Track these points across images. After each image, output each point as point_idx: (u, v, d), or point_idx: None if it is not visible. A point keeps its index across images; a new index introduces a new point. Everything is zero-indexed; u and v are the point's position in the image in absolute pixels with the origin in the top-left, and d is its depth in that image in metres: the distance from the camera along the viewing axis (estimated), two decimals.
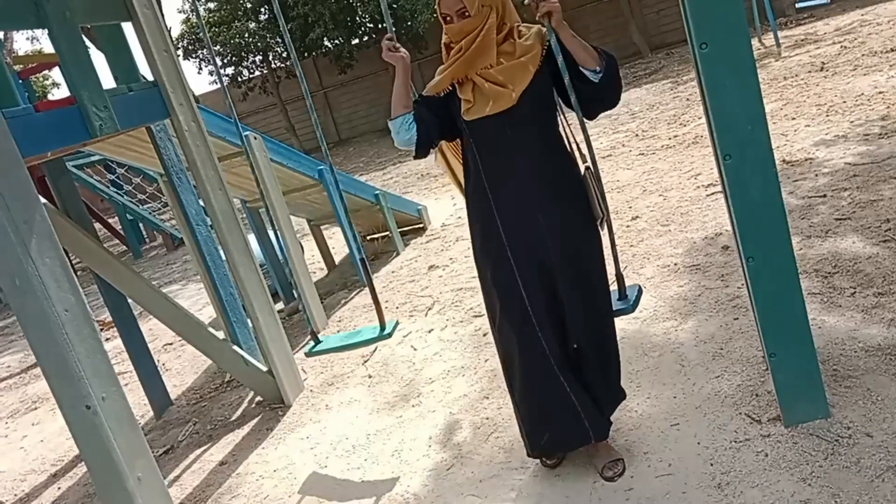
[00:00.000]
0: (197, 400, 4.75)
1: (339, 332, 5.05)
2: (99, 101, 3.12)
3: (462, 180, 2.65)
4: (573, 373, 2.51)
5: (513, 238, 2.44)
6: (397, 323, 3.38)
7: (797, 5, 14.29)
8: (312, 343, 3.41)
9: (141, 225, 13.16)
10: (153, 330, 6.53)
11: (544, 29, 2.37)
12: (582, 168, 2.49)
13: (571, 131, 2.52)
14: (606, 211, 2.48)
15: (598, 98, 2.39)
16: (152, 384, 4.65)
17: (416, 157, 2.60)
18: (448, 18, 2.38)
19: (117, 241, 13.27)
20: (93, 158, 10.08)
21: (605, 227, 2.50)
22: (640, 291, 2.74)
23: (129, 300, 4.45)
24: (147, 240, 13.53)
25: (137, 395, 4.75)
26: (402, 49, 2.49)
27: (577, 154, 2.52)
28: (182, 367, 5.55)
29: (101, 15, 3.46)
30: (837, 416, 2.48)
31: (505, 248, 2.45)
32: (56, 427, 5.03)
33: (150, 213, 12.37)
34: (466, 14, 2.33)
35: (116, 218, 12.93)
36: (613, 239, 2.55)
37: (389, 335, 3.28)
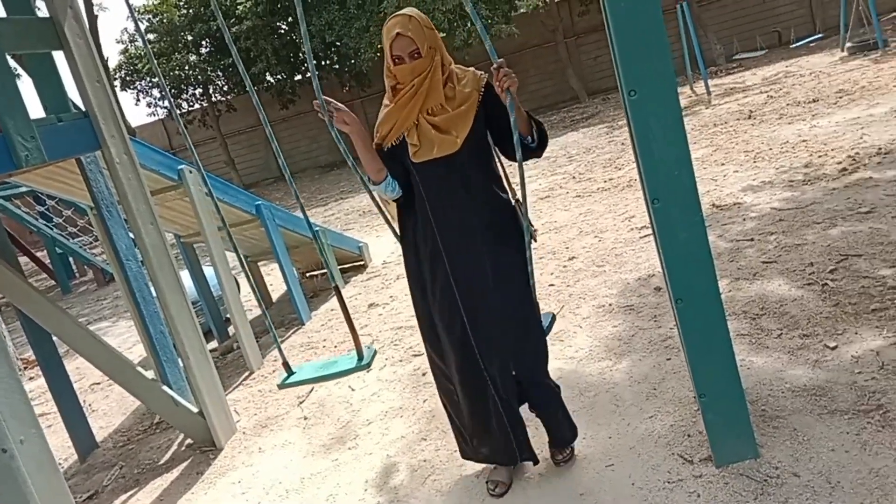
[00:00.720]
0: (124, 442, 4.56)
1: (308, 360, 4.94)
2: (25, 131, 3.02)
3: (394, 217, 2.77)
4: (509, 397, 2.68)
5: (457, 268, 2.57)
6: (376, 352, 3.27)
7: (736, 56, 14.97)
8: (286, 374, 3.28)
9: (71, 259, 12.72)
10: (80, 368, 6.28)
11: (479, 73, 2.58)
12: (513, 200, 2.69)
13: (503, 167, 2.72)
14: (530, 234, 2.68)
15: (532, 156, 2.60)
16: (77, 425, 4.45)
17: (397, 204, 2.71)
18: (399, 60, 2.46)
19: (45, 276, 12.79)
20: (21, 189, 9.73)
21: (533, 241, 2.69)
22: (552, 318, 2.96)
23: (54, 337, 4.27)
24: (77, 274, 13.09)
25: (61, 436, 4.54)
26: (340, 107, 2.54)
27: (508, 187, 2.71)
28: (109, 408, 5.33)
29: (32, 43, 3.36)
30: (766, 456, 2.53)
31: (449, 276, 2.58)
32: None
33: (80, 247, 11.97)
34: (418, 55, 2.44)
35: (45, 251, 12.47)
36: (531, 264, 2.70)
37: (368, 365, 3.18)
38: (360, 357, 3.15)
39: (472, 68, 2.60)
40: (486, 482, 2.85)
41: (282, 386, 3.30)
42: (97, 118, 3.45)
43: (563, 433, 2.83)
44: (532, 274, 2.65)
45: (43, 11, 3.53)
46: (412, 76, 2.47)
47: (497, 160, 2.67)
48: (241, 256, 3.91)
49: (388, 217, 2.85)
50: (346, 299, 6.29)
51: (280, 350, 3.58)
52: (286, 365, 3.31)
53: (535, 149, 2.55)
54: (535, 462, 2.78)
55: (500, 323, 2.60)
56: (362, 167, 2.65)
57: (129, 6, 3.71)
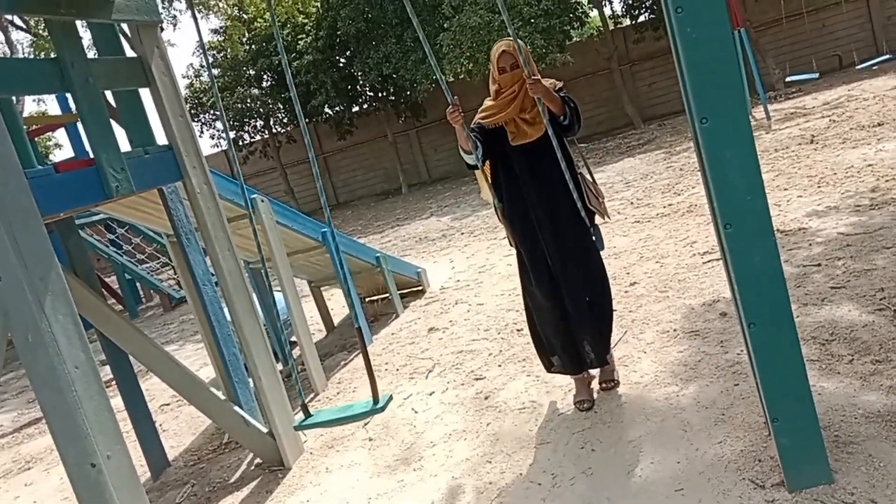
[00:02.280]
0: (195, 461, 4.71)
1: (354, 391, 5.05)
2: (116, 163, 3.21)
3: (491, 187, 3.66)
4: (581, 318, 3.60)
5: (542, 222, 3.54)
6: (391, 397, 3.37)
7: (787, 79, 14.77)
8: (302, 416, 3.39)
9: (138, 284, 13.18)
10: (149, 390, 6.50)
11: (553, 81, 3.55)
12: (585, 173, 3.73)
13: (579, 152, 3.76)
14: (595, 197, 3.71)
15: (568, 132, 3.51)
16: (150, 444, 4.62)
17: (474, 169, 3.60)
18: (503, 70, 3.46)
19: (114, 301, 13.27)
20: (94, 218, 10.17)
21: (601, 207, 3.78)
22: (599, 233, 3.73)
23: (131, 358, 4.46)
24: (144, 300, 13.53)
25: (135, 454, 4.68)
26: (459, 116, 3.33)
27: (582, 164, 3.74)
28: (180, 428, 5.51)
29: (122, 81, 3.58)
30: (841, 482, 2.50)
31: (536, 231, 3.55)
32: (49, 488, 4.96)
33: (148, 273, 12.41)
34: (516, 66, 3.43)
35: (114, 277, 12.95)
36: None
37: (382, 409, 3.25)
38: (376, 401, 3.26)
39: (550, 79, 3.55)
40: (574, 404, 3.73)
41: (298, 428, 3.44)
42: (180, 151, 3.64)
43: (603, 345, 3.65)
44: (596, 226, 3.64)
45: (131, 51, 3.76)
46: (512, 82, 3.47)
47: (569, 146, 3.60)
48: (306, 281, 4.01)
49: (488, 185, 3.66)
50: (405, 324, 6.41)
51: (301, 393, 3.61)
52: (304, 407, 3.45)
53: (567, 126, 3.45)
54: (601, 365, 3.69)
55: (575, 264, 3.55)
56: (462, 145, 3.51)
57: (202, 42, 3.91)
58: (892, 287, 3.98)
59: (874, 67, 13.76)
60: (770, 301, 2.33)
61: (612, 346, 3.78)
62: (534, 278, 3.61)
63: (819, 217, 5.76)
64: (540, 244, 3.56)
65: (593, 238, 3.59)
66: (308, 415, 3.39)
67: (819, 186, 6.74)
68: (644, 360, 4.07)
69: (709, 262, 5.45)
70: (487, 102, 3.59)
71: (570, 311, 3.58)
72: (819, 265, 4.67)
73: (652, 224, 7.40)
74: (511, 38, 3.31)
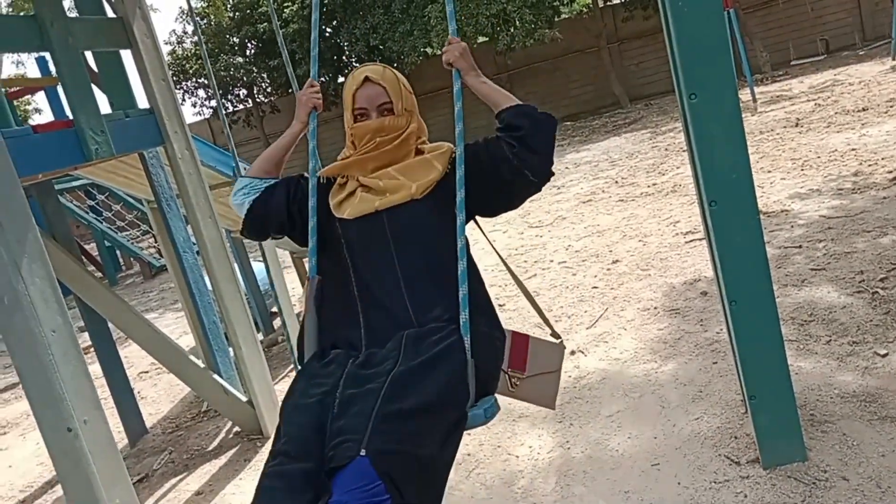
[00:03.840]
0: (173, 429, 4.70)
1: None
2: (96, 126, 3.15)
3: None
4: None
5: (370, 359, 1.77)
6: None
7: (792, 62, 14.79)
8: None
9: (118, 252, 13.05)
10: (128, 358, 6.46)
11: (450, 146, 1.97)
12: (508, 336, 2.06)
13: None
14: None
15: (526, 157, 1.81)
16: (128, 411, 4.60)
17: (241, 233, 2.10)
18: (362, 114, 1.94)
19: (93, 268, 13.14)
20: (74, 183, 10.02)
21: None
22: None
23: (109, 324, 4.42)
24: (123, 267, 13.41)
25: (112, 421, 4.65)
26: (319, 94, 2.12)
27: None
28: (158, 396, 5.48)
29: (103, 42, 3.50)
30: (815, 460, 2.54)
31: (345, 364, 1.77)
32: (26, 453, 4.93)
33: (128, 241, 12.29)
34: (389, 111, 1.92)
35: (94, 244, 12.82)
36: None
37: None
38: None
39: (447, 143, 2.00)
40: None
41: None
42: (161, 115, 3.58)
43: None
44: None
45: (112, 12, 3.68)
46: (379, 133, 1.90)
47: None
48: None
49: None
50: None
51: (292, 351, 3.39)
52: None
53: (524, 142, 1.81)
54: None
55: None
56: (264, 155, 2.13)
57: (190, 7, 3.84)
58: (871, 270, 4.02)
59: (860, 53, 13.80)
60: (752, 279, 2.35)
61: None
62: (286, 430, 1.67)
63: (801, 199, 5.79)
64: (339, 374, 1.73)
65: (473, 407, 1.74)
66: None
67: (802, 169, 6.77)
68: (624, 336, 4.09)
69: (691, 241, 5.47)
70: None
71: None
72: (800, 247, 4.71)
73: (636, 203, 7.41)
74: (382, 66, 1.99)
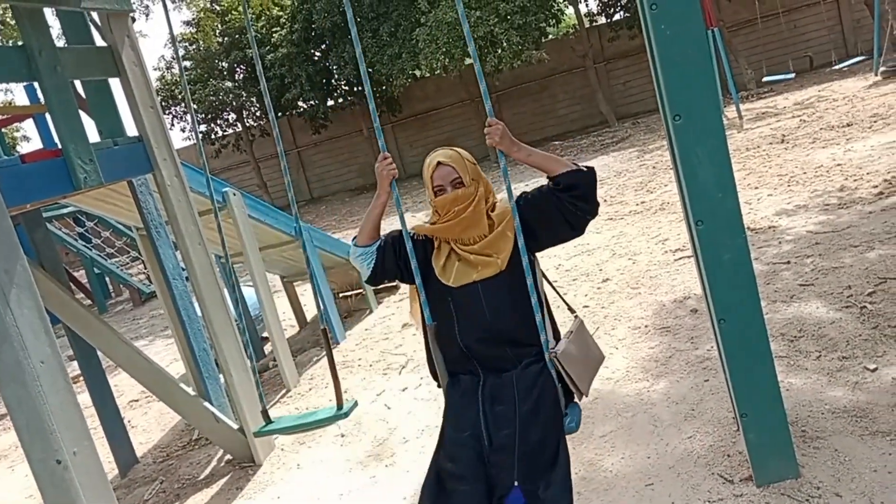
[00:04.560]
0: (164, 458, 4.65)
1: (326, 387, 5.02)
2: (85, 154, 3.15)
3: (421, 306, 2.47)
4: None
5: (488, 388, 2.33)
6: (356, 403, 3.22)
7: (764, 79, 14.97)
8: (263, 422, 3.24)
9: (107, 279, 12.99)
10: (118, 386, 6.41)
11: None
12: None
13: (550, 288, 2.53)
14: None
15: (582, 209, 2.26)
16: (118, 441, 4.55)
17: (366, 282, 2.62)
18: (440, 190, 2.36)
19: (83, 295, 13.06)
20: (63, 211, 10.00)
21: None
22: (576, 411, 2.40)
23: (99, 353, 4.40)
24: (113, 294, 13.34)
25: (102, 451, 4.61)
26: (393, 166, 2.43)
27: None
28: (148, 425, 5.44)
29: (91, 70, 3.52)
30: (807, 476, 2.54)
31: (478, 400, 2.34)
32: (14, 485, 4.88)
33: (117, 267, 12.23)
34: (460, 184, 2.33)
35: (83, 271, 12.76)
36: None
37: (346, 416, 3.13)
38: (340, 407, 3.14)
39: (506, 205, 2.38)
40: None
41: (258, 434, 3.27)
42: (150, 142, 3.59)
43: None
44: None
45: (101, 40, 3.69)
46: (455, 204, 2.32)
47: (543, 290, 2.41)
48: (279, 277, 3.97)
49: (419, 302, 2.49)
50: (379, 319, 6.38)
51: (261, 398, 3.38)
52: (265, 413, 3.23)
53: (582, 195, 2.22)
54: None
55: (529, 459, 2.23)
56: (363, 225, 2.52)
57: (172, 35, 3.85)
58: (858, 285, 4.05)
59: (844, 69, 13.99)
60: (740, 297, 2.36)
61: None
62: (451, 454, 2.28)
63: (789, 215, 5.84)
64: (476, 408, 2.31)
65: (566, 420, 2.30)
66: (268, 421, 3.24)
67: (789, 185, 6.83)
68: (616, 355, 4.10)
69: (680, 259, 5.50)
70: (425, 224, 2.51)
71: None
72: (788, 263, 4.74)
73: (625, 221, 7.45)
74: (449, 148, 2.43)
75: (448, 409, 2.38)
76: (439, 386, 2.46)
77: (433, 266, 2.43)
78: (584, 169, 2.24)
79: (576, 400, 2.36)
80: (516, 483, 2.15)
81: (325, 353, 5.49)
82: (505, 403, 2.28)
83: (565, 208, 2.25)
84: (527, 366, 2.30)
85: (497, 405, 2.29)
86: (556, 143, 16.88)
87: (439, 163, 2.38)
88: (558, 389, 2.26)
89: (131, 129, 3.76)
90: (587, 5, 19.22)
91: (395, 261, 2.47)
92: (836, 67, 14.38)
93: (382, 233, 2.53)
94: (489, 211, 2.40)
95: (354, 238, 2.52)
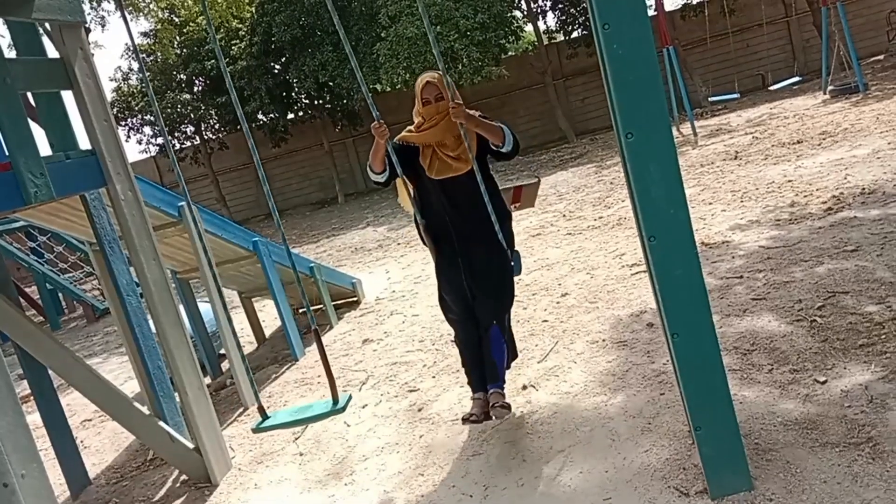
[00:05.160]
0: (118, 479, 4.54)
1: (285, 405, 4.95)
2: (35, 168, 3.09)
3: (413, 201, 3.60)
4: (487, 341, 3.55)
5: (463, 247, 3.52)
6: (351, 397, 3.31)
7: (710, 98, 15.32)
8: (260, 418, 3.27)
9: (60, 295, 12.67)
10: (71, 405, 6.25)
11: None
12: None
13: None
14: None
15: (508, 157, 3.51)
16: (70, 462, 4.43)
17: (382, 185, 3.65)
18: (427, 102, 3.44)
19: (34, 312, 12.71)
20: (14, 225, 9.75)
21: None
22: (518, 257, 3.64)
23: (50, 371, 4.28)
24: (66, 311, 13.01)
25: (53, 473, 4.49)
26: (385, 130, 3.38)
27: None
28: (102, 445, 5.30)
29: (43, 83, 3.45)
30: (760, 489, 2.59)
31: (457, 254, 3.53)
32: None
33: (71, 283, 11.94)
34: (440, 98, 3.41)
35: (35, 287, 12.43)
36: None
37: (343, 409, 3.17)
38: (336, 401, 3.16)
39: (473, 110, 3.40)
40: (461, 417, 3.50)
41: (256, 430, 3.31)
42: (104, 156, 3.52)
43: (501, 368, 3.55)
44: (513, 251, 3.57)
45: (52, 51, 3.62)
46: (436, 113, 3.42)
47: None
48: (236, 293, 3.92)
49: (410, 198, 3.60)
50: (339, 335, 6.34)
51: (256, 395, 3.53)
52: (261, 410, 3.29)
53: (507, 153, 3.46)
54: (497, 387, 3.48)
55: (489, 290, 3.52)
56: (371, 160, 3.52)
57: (135, 46, 3.80)
58: (808, 298, 4.15)
59: (794, 87, 14.41)
60: (692, 312, 2.40)
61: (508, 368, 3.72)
62: (449, 298, 3.61)
63: (742, 230, 5.97)
64: (459, 267, 3.53)
65: (511, 264, 3.53)
66: (265, 416, 3.28)
67: (742, 201, 6.99)
68: (574, 370, 4.13)
69: (636, 273, 5.58)
70: (409, 129, 3.57)
71: (479, 334, 3.54)
72: (741, 277, 4.84)
73: (583, 236, 7.54)
74: (437, 71, 3.37)
75: (439, 271, 3.64)
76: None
77: (421, 164, 3.48)
78: (514, 143, 3.44)
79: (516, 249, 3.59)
80: (494, 322, 3.50)
81: (283, 369, 5.45)
82: (477, 264, 3.50)
83: (499, 156, 3.50)
84: (490, 236, 3.43)
85: (473, 266, 3.50)
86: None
87: (428, 82, 3.43)
88: (507, 253, 3.49)
89: (84, 142, 3.70)
90: (546, 23, 19.41)
91: (399, 162, 3.44)
92: (772, 88, 14.78)
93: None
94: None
95: (370, 164, 3.54)
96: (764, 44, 17.38)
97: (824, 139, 8.85)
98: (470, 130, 3.34)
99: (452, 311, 3.62)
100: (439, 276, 3.65)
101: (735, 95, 14.26)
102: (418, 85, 3.46)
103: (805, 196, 6.45)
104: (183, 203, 4.71)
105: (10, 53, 3.54)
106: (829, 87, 12.54)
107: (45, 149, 3.43)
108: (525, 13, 17.96)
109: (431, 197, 3.53)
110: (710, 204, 7.22)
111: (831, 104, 11.64)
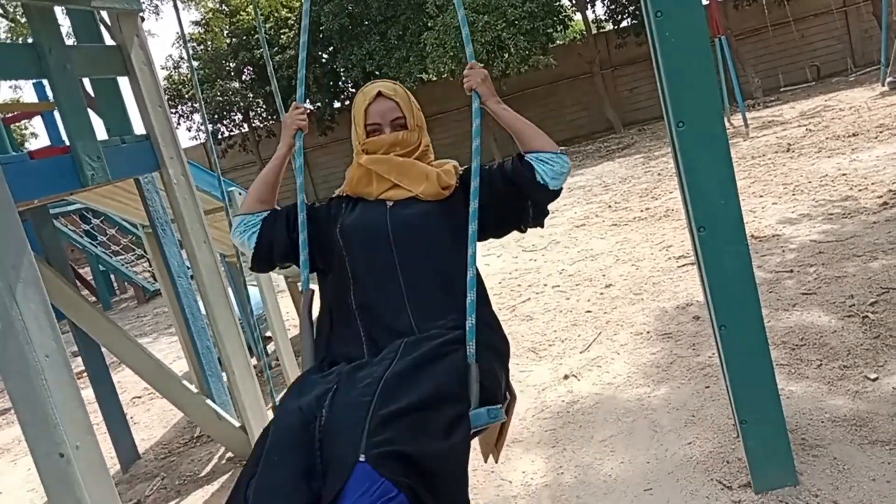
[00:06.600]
0: (166, 454, 4.67)
1: None
2: (93, 152, 3.17)
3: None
4: None
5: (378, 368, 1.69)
6: None
7: (783, 89, 14.93)
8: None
9: (112, 276, 13.04)
10: (122, 383, 6.43)
11: (457, 165, 2.06)
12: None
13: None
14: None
15: (546, 199, 1.99)
16: (120, 437, 4.58)
17: (251, 269, 2.14)
18: (375, 129, 1.95)
19: (87, 292, 13.11)
20: (70, 208, 10.04)
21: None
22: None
23: (103, 349, 4.42)
24: (118, 292, 13.39)
25: (105, 447, 4.63)
26: (304, 116, 2.11)
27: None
28: (151, 421, 5.46)
29: (101, 69, 3.54)
30: (806, 484, 2.55)
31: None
32: (16, 479, 4.90)
33: (122, 265, 12.28)
34: (402, 126, 1.95)
35: (88, 268, 12.81)
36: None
37: None
38: None
39: (452, 161, 2.08)
40: None
41: None
42: (158, 141, 3.61)
43: None
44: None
45: (110, 39, 3.72)
46: (392, 148, 1.92)
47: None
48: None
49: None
50: None
51: (272, 394, 3.50)
52: (275, 408, 3.34)
53: (547, 188, 1.97)
54: None
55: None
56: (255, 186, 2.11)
57: (183, 35, 3.89)
58: (861, 294, 4.05)
59: (850, 79, 13.97)
60: (741, 304, 2.37)
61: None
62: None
63: (793, 224, 5.84)
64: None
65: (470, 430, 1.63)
66: None
67: (794, 194, 6.83)
68: (617, 360, 4.11)
69: (683, 265, 5.51)
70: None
71: None
72: (791, 271, 4.74)
73: (629, 227, 7.46)
74: (388, 80, 2.04)
75: (292, 388, 1.78)
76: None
77: (332, 220, 2.00)
78: (563, 155, 2.03)
79: None
80: (362, 458, 1.45)
81: None
82: (374, 366, 1.68)
83: (524, 210, 1.96)
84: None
85: (363, 370, 1.70)
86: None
87: (379, 93, 1.93)
88: (472, 371, 1.70)
89: (139, 128, 3.79)
90: (594, 12, 19.24)
91: (287, 234, 1.98)
92: (852, 78, 14.28)
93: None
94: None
95: (252, 192, 2.05)
96: (820, 34, 16.92)
97: (881, 132, 8.58)
98: (496, 113, 1.99)
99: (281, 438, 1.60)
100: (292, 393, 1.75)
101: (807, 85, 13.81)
102: (362, 99, 1.97)
103: (860, 190, 6.27)
104: (233, 188, 4.80)
105: (70, 41, 3.64)
106: (889, 79, 12.14)
107: (101, 134, 3.53)
108: (574, 2, 17.78)
109: (347, 268, 1.93)
110: (761, 196, 7.07)
111: (889, 96, 11.27)
